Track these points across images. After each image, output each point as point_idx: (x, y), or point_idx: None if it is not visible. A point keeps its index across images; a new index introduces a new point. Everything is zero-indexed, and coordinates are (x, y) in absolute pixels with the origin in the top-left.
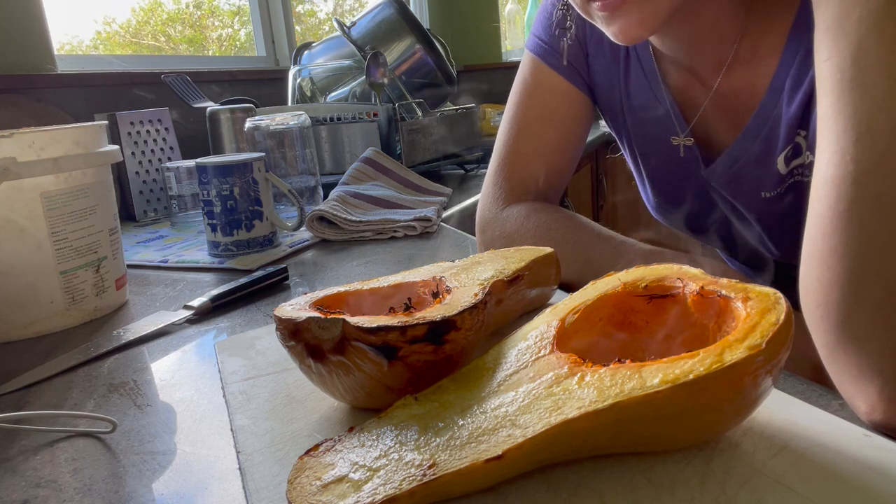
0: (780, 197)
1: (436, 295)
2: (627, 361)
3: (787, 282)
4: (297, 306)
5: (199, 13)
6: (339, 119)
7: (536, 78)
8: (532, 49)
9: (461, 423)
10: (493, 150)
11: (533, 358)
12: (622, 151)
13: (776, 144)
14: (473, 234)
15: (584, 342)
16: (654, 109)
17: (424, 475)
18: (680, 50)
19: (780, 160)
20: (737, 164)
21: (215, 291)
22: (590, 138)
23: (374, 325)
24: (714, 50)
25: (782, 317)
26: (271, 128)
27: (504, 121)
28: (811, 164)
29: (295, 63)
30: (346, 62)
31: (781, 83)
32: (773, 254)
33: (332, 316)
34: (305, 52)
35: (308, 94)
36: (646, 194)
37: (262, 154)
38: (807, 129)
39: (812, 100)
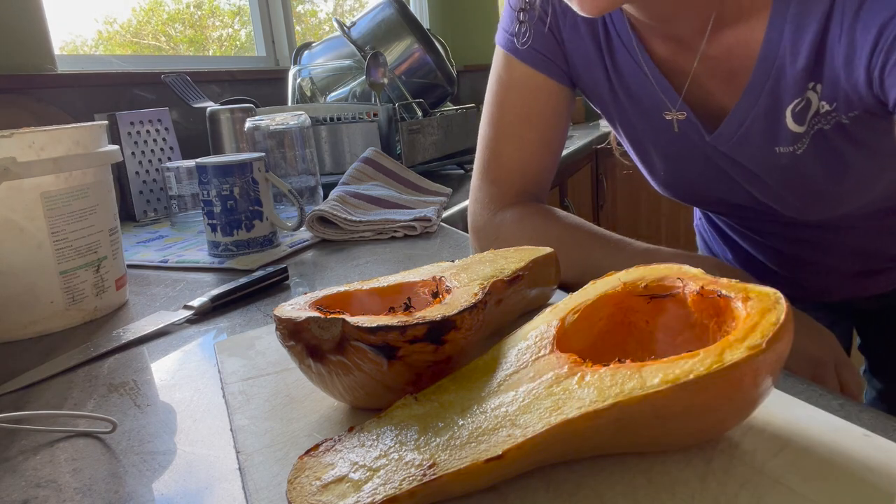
0: (805, 150)
1: (436, 295)
2: (627, 361)
3: (797, 242)
4: (297, 306)
5: (199, 13)
6: (339, 119)
7: (510, 74)
8: (503, 45)
9: (461, 423)
10: (476, 152)
11: (533, 358)
12: (613, 131)
13: (783, 98)
14: None
15: (584, 342)
16: (644, 85)
17: (424, 475)
18: (659, 17)
19: (788, 113)
20: (744, 123)
21: (215, 291)
22: (589, 139)
23: (374, 324)
24: (695, 11)
25: (782, 316)
26: (271, 128)
27: (483, 121)
28: (826, 113)
29: (295, 63)
30: (346, 62)
31: (778, 33)
32: (789, 211)
33: (332, 316)
34: (305, 52)
35: (308, 94)
36: (648, 172)
37: (262, 154)
38: (820, 80)
39: (823, 52)
